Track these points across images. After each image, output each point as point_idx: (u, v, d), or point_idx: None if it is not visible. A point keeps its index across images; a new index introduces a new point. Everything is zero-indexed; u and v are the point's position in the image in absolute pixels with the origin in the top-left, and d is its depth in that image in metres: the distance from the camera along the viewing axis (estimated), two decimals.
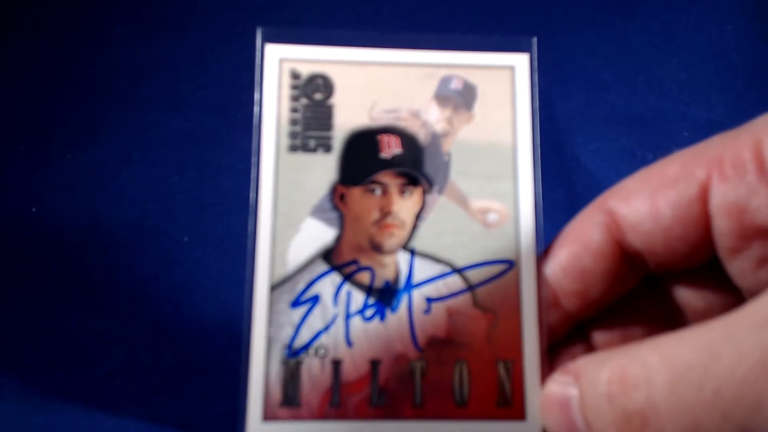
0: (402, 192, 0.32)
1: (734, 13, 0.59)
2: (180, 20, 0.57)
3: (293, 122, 0.32)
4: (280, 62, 0.33)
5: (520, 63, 0.33)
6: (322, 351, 0.31)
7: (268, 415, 0.30)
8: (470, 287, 0.32)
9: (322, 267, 0.31)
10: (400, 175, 0.32)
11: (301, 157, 0.32)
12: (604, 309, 0.32)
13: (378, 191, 0.32)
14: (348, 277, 0.31)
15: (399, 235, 0.32)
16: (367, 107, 0.32)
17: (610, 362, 0.27)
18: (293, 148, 0.32)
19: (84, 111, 0.54)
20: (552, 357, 0.32)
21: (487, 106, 0.33)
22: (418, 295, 0.32)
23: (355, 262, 0.32)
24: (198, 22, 0.57)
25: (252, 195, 0.31)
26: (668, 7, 0.59)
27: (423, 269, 0.32)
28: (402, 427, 0.30)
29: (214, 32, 0.57)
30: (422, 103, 0.33)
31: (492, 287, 0.32)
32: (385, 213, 0.32)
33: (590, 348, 0.33)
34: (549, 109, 0.55)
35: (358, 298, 0.31)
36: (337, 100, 0.32)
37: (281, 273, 0.31)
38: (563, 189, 0.54)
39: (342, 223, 0.32)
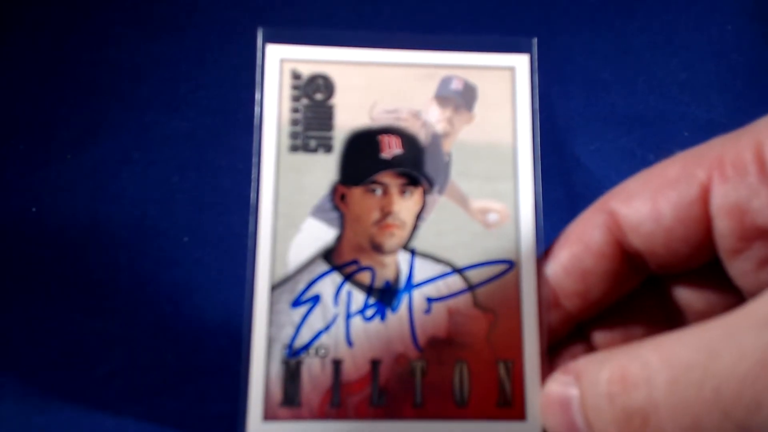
0: (402, 192, 0.32)
1: (734, 13, 0.59)
2: (180, 20, 0.57)
3: (294, 122, 0.32)
4: (281, 62, 0.33)
5: (520, 64, 0.33)
6: (323, 351, 0.31)
7: (269, 415, 0.30)
8: (470, 287, 0.32)
9: (322, 267, 0.31)
10: (401, 175, 0.32)
11: (302, 157, 0.32)
12: (604, 309, 0.32)
13: (378, 191, 0.32)
14: (348, 277, 0.31)
15: (399, 235, 0.32)
16: (368, 107, 0.32)
17: (611, 362, 0.27)
18: (294, 148, 0.32)
19: (84, 111, 0.54)
20: (552, 357, 0.32)
21: (488, 106, 0.33)
22: (418, 295, 0.32)
23: (355, 262, 0.32)
24: (198, 22, 0.58)
25: (253, 195, 0.31)
26: (668, 7, 0.59)
27: (423, 269, 0.32)
28: (402, 427, 0.30)
29: (214, 32, 0.57)
30: (423, 103, 0.33)
31: (492, 287, 0.32)
32: (386, 213, 0.32)
33: (591, 348, 0.33)
34: (549, 109, 0.55)
35: (359, 298, 0.31)
36: (338, 101, 0.32)
37: (282, 273, 0.31)
38: (563, 189, 0.54)
39: (342, 223, 0.32)
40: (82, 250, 0.51)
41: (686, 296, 0.32)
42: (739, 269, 0.29)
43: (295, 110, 0.32)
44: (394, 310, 0.31)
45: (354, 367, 0.31)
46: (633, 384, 0.26)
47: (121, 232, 0.51)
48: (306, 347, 0.31)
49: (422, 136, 0.32)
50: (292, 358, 0.30)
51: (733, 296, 0.31)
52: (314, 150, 0.32)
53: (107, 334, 0.48)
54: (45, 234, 0.51)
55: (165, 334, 0.49)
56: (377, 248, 0.32)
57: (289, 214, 0.31)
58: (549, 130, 0.54)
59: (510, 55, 0.33)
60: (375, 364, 0.31)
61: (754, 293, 0.27)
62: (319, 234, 0.32)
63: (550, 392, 0.29)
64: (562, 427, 0.29)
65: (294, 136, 0.32)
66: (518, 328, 0.31)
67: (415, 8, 0.59)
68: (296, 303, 0.31)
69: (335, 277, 0.31)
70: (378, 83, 0.33)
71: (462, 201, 0.32)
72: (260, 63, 0.32)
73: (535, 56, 0.33)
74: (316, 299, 0.31)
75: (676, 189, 0.29)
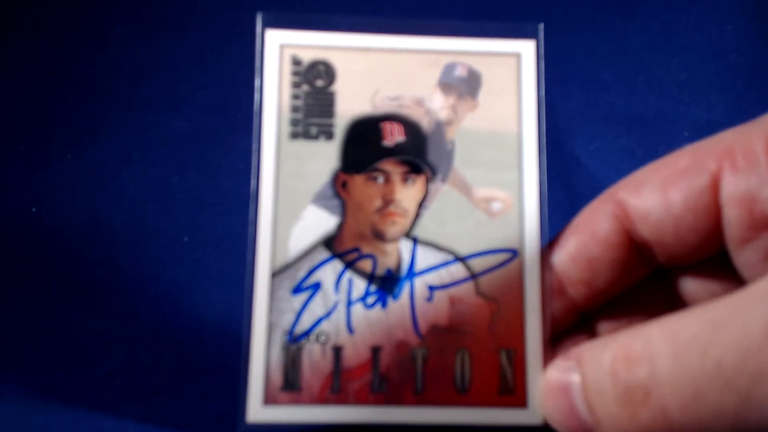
0: (405, 180, 0.32)
1: (734, 13, 0.59)
2: (180, 20, 0.57)
3: (295, 109, 0.32)
4: (281, 48, 0.32)
5: (526, 50, 0.33)
6: (323, 337, 0.30)
7: (269, 399, 0.30)
8: (473, 276, 0.32)
9: (323, 254, 0.31)
10: (403, 163, 0.32)
11: (303, 145, 0.32)
12: (609, 301, 0.32)
13: (380, 179, 0.32)
14: (350, 265, 0.31)
15: (401, 223, 0.32)
16: (370, 94, 0.32)
17: (614, 343, 0.27)
18: (295, 136, 0.32)
19: (84, 111, 0.54)
20: (556, 347, 0.32)
21: (492, 93, 0.33)
22: (420, 283, 0.31)
23: (356, 249, 0.31)
24: (198, 22, 0.57)
25: (253, 182, 0.31)
26: (668, 7, 0.59)
27: (426, 257, 0.32)
28: (402, 412, 0.30)
29: (214, 32, 0.57)
30: (426, 90, 0.33)
31: (495, 276, 0.32)
32: (388, 201, 0.32)
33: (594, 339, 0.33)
34: (549, 109, 0.55)
35: (360, 285, 0.31)
36: (339, 87, 0.32)
37: (282, 260, 0.31)
38: (563, 189, 0.54)
39: (344, 211, 0.32)
40: (82, 250, 0.51)
41: (692, 289, 0.32)
42: (746, 260, 0.29)
43: (295, 97, 0.32)
44: (395, 297, 0.31)
45: (355, 353, 0.30)
46: (636, 360, 0.26)
47: (121, 232, 0.51)
48: (307, 333, 0.30)
49: (425, 123, 0.32)
50: (293, 344, 0.30)
51: None
52: (315, 137, 0.32)
53: (107, 334, 0.48)
54: (45, 234, 0.51)
55: (165, 334, 0.48)
56: (379, 236, 0.32)
57: (290, 201, 0.31)
58: (549, 129, 0.54)
59: (516, 41, 0.33)
60: (376, 350, 0.31)
61: None
62: (320, 221, 0.31)
63: (551, 378, 0.29)
64: (563, 414, 0.29)
65: (295, 123, 0.32)
66: (521, 317, 0.31)
67: None
68: (297, 290, 0.31)
69: (336, 265, 0.31)
70: (380, 69, 0.32)
71: (465, 189, 0.32)
72: (260, 49, 0.32)
73: (542, 42, 0.33)
74: (316, 286, 0.31)
75: (687, 178, 0.29)
